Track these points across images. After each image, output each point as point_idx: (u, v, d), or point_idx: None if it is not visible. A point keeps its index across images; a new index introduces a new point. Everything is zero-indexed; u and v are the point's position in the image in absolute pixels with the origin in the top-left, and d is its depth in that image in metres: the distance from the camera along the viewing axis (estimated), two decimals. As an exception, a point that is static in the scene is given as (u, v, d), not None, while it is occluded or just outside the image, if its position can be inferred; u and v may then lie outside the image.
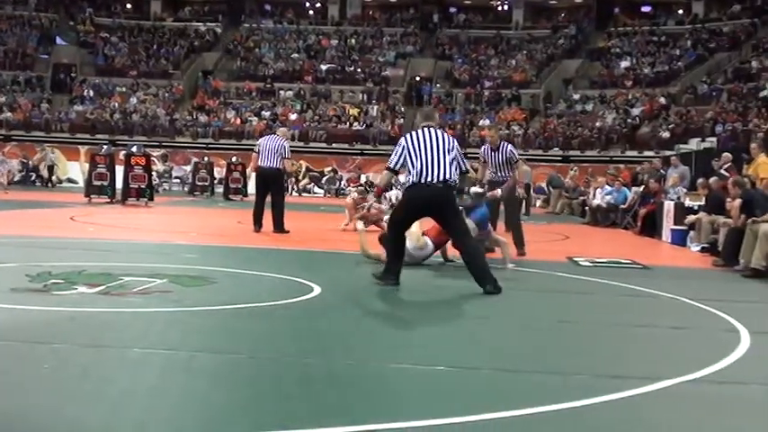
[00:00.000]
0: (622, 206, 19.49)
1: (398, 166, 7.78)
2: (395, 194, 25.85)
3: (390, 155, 7.93)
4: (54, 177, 31.13)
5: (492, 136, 11.75)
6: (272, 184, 13.69)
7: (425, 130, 7.77)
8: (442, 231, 8.76)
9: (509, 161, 11.33)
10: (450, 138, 7.83)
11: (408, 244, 8.66)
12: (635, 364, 5.08)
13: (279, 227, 13.45)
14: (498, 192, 10.91)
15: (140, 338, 5.05)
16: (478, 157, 12.25)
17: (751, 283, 9.54)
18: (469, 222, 9.07)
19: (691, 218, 14.13)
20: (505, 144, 11.63)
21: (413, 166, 7.56)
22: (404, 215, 8.00)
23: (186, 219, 18.15)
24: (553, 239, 15.45)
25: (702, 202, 14.41)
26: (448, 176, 7.52)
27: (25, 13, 49.04)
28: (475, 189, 9.83)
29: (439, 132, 7.79)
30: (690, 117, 36.61)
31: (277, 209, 13.59)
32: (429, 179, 7.48)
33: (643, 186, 19.22)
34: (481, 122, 40.63)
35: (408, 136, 7.84)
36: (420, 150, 7.54)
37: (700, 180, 15.87)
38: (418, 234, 9.37)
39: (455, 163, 7.65)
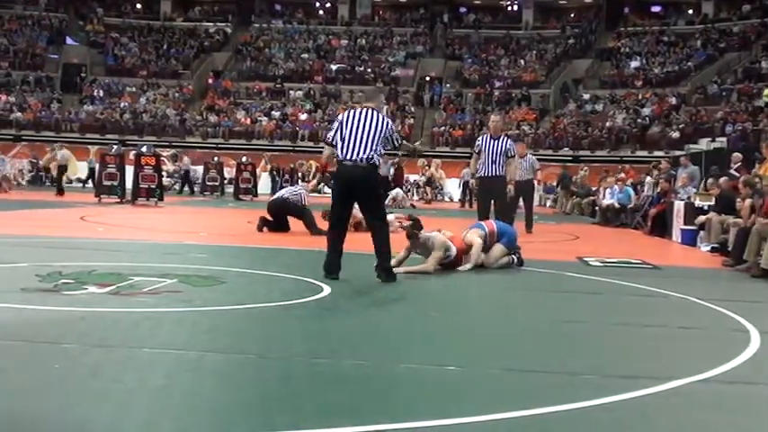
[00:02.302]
0: (629, 206, 19.50)
1: (333, 140, 7.95)
2: (399, 193, 26.01)
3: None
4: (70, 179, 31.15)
5: (496, 124, 11.78)
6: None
7: (361, 110, 7.96)
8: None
9: (505, 154, 11.32)
10: (384, 120, 7.90)
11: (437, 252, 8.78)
12: (645, 363, 5.06)
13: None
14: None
15: (150, 338, 5.05)
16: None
17: (761, 283, 9.49)
18: (501, 247, 9.44)
19: (701, 218, 14.08)
20: (505, 137, 11.65)
21: (338, 144, 7.82)
22: (334, 193, 8.12)
23: (196, 219, 18.18)
24: (563, 239, 15.43)
25: (713, 202, 14.36)
26: (363, 155, 7.65)
27: (35, 12, 49.24)
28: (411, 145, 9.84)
29: (372, 113, 7.86)
30: (700, 117, 36.54)
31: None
32: (348, 156, 7.69)
33: (647, 187, 19.23)
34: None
35: (344, 114, 8.10)
36: (346, 128, 7.76)
37: (710, 180, 15.81)
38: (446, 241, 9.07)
39: (380, 142, 7.74)
